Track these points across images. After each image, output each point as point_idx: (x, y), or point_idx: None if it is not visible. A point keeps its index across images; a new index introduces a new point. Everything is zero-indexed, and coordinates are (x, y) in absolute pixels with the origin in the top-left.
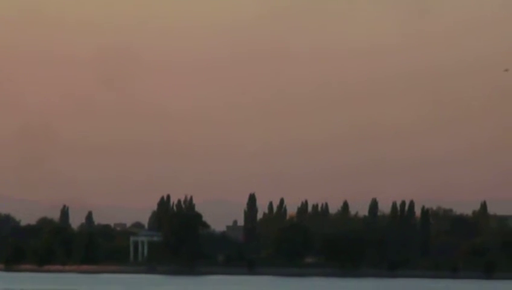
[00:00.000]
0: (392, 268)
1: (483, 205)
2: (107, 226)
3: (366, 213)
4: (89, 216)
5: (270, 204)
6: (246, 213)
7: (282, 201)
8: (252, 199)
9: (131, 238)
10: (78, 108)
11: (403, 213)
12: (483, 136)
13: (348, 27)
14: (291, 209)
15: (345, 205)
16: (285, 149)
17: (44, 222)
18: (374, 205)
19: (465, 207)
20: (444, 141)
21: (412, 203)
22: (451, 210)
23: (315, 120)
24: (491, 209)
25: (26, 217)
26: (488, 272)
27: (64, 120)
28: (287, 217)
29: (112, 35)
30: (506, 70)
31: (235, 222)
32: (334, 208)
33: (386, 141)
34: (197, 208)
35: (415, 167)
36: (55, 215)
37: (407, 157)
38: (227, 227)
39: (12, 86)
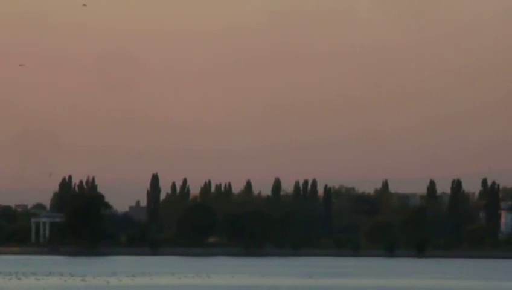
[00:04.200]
0: (295, 247)
1: (385, 184)
2: (7, 208)
3: (270, 193)
4: None
5: (173, 184)
6: (148, 193)
7: (185, 181)
8: (154, 179)
9: (33, 220)
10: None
11: (305, 192)
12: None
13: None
14: (195, 190)
15: (248, 185)
16: (188, 129)
17: None
18: (277, 184)
19: (367, 186)
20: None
21: (314, 182)
22: (353, 189)
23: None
24: (393, 188)
25: None
26: (390, 250)
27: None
28: (190, 197)
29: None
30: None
31: (138, 202)
32: (237, 187)
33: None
34: (100, 189)
35: (317, 147)
36: None
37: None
38: (130, 207)
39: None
